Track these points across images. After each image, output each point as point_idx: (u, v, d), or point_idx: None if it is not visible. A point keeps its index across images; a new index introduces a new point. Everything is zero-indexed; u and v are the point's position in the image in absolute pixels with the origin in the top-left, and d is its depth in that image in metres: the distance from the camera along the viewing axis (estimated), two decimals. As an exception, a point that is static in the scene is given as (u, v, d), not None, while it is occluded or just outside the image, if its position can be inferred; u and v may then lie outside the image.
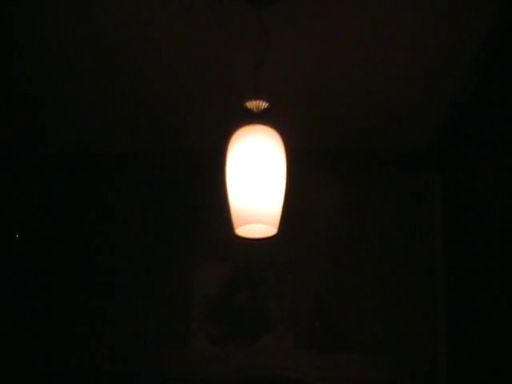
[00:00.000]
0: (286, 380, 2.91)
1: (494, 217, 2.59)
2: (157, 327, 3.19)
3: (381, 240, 3.30)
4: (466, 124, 2.94)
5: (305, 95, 2.92)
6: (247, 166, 2.06)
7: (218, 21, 2.46)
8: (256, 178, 2.04)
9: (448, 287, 3.15)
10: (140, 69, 2.79)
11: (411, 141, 3.28)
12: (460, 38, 2.52)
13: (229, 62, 2.69)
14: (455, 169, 3.16)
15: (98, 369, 3.16)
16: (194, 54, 2.68)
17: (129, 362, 3.16)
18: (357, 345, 3.06)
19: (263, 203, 2.03)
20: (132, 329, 3.22)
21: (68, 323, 3.25)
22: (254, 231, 2.13)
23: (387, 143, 3.32)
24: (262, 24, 2.20)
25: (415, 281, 3.22)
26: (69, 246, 3.39)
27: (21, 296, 3.29)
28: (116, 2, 2.40)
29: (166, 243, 3.35)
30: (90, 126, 3.28)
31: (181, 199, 3.41)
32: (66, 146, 3.44)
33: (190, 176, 3.42)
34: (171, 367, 2.96)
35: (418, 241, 3.29)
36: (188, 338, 3.12)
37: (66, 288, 3.31)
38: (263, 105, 2.12)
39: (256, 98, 2.12)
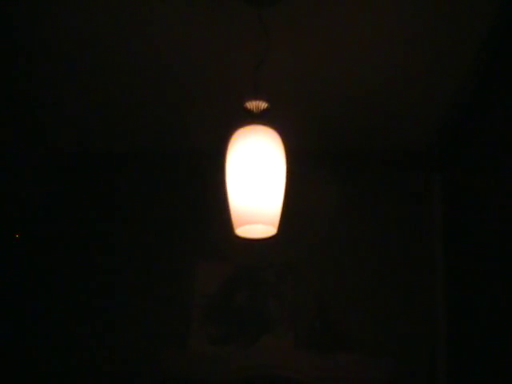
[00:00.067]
0: (285, 380, 2.91)
1: (493, 217, 2.59)
2: (157, 327, 3.19)
3: (381, 240, 3.30)
4: (466, 124, 2.94)
5: (305, 95, 2.92)
6: (247, 167, 2.06)
7: (218, 21, 2.46)
8: (256, 178, 2.04)
9: (448, 287, 3.15)
10: (140, 69, 2.79)
11: (411, 141, 3.28)
12: (460, 37, 2.52)
13: (229, 62, 2.69)
14: (455, 169, 3.16)
15: (97, 369, 3.17)
16: (194, 54, 2.68)
17: (129, 361, 3.16)
18: (357, 345, 3.06)
19: (263, 203, 2.03)
20: (132, 329, 3.22)
21: (68, 323, 3.25)
22: (253, 231, 2.13)
23: (387, 143, 3.32)
24: (262, 24, 2.20)
25: (415, 281, 3.22)
26: (69, 245, 3.39)
27: (21, 296, 3.29)
28: (116, 2, 2.40)
29: (165, 243, 3.35)
30: (89, 126, 3.28)
31: (181, 199, 3.41)
32: (66, 146, 3.44)
33: (190, 176, 3.42)
34: (171, 367, 2.96)
35: (418, 241, 3.29)
36: (188, 338, 3.12)
37: (66, 288, 3.31)
38: (263, 105, 2.12)
39: (256, 98, 2.12)
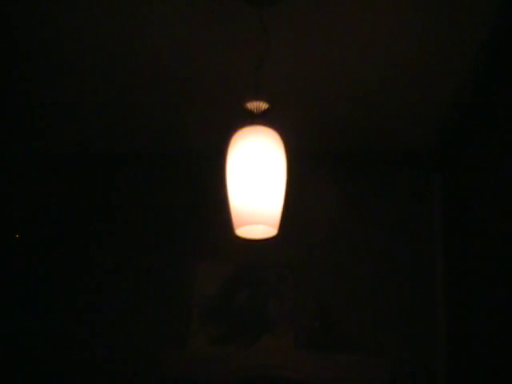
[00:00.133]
0: (285, 380, 2.91)
1: (493, 217, 2.59)
2: (157, 327, 3.19)
3: (381, 240, 3.30)
4: (466, 124, 2.94)
5: (305, 95, 2.92)
6: (247, 167, 2.06)
7: (218, 21, 2.46)
8: (256, 178, 2.04)
9: (448, 287, 3.14)
10: (140, 69, 2.79)
11: (411, 141, 3.28)
12: (460, 38, 2.51)
13: (229, 63, 2.69)
14: (455, 169, 3.16)
15: (97, 369, 3.16)
16: (194, 54, 2.68)
17: (129, 362, 3.16)
18: (357, 345, 3.06)
19: (263, 204, 2.03)
20: (132, 329, 3.22)
21: (68, 323, 3.25)
22: (254, 232, 2.13)
23: (387, 143, 3.32)
24: (262, 24, 2.20)
25: (415, 281, 3.22)
26: (68, 245, 3.39)
27: (21, 296, 3.29)
28: (116, 2, 2.40)
29: (165, 243, 3.35)
30: (89, 126, 3.28)
31: (181, 199, 3.41)
32: (66, 146, 3.44)
33: (190, 176, 3.42)
34: (171, 367, 2.96)
35: (418, 241, 3.29)
36: (188, 338, 3.12)
37: (66, 288, 3.31)
38: (263, 106, 2.12)
39: (256, 98, 2.12)
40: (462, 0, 2.32)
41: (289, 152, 2.16)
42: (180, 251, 3.32)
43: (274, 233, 2.12)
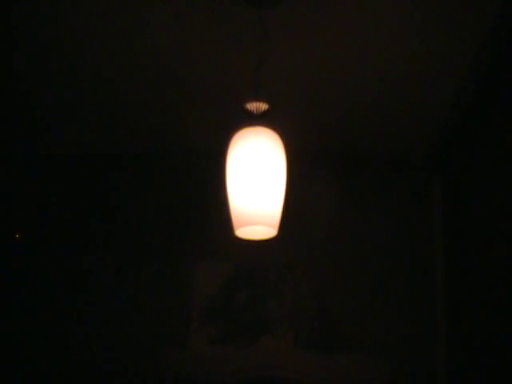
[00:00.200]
0: (285, 381, 2.91)
1: (493, 217, 2.59)
2: (157, 327, 3.20)
3: (380, 240, 3.30)
4: (466, 124, 2.94)
5: (305, 96, 2.92)
6: (247, 168, 2.06)
7: (218, 21, 2.46)
8: (256, 179, 2.04)
9: (448, 287, 3.15)
10: (140, 69, 2.79)
11: (411, 141, 3.28)
12: (460, 38, 2.51)
13: (229, 63, 2.69)
14: (455, 169, 3.16)
15: (97, 369, 3.17)
16: (194, 55, 2.68)
17: (128, 362, 3.16)
18: (356, 345, 3.06)
19: (263, 205, 2.03)
20: (131, 329, 3.22)
21: (67, 323, 3.25)
22: (253, 233, 2.13)
23: (387, 143, 3.32)
24: (262, 25, 2.20)
25: (415, 281, 3.23)
26: (68, 246, 3.39)
27: (21, 296, 3.29)
28: (116, 2, 2.40)
29: (165, 243, 3.35)
30: (89, 126, 3.28)
31: (181, 199, 3.41)
32: (66, 145, 3.44)
33: (190, 176, 3.42)
34: (171, 367, 2.96)
35: (418, 241, 3.29)
36: (188, 339, 3.12)
37: (66, 288, 3.31)
38: (263, 106, 2.12)
39: (256, 99, 2.12)
40: (462, 0, 2.32)
41: (289, 152, 2.16)
42: (180, 251, 3.32)
43: (274, 233, 2.12)
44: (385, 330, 3.14)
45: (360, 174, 3.41)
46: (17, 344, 3.21)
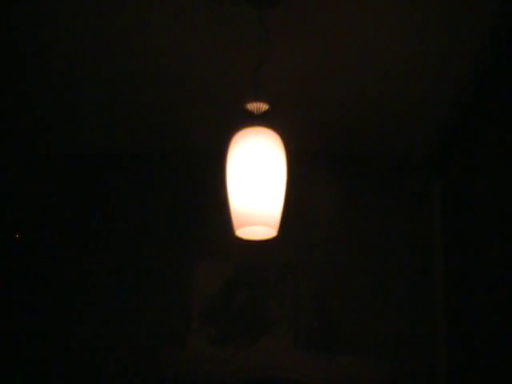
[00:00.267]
0: (285, 381, 2.90)
1: (493, 217, 2.59)
2: (156, 327, 3.19)
3: (381, 240, 3.30)
4: (466, 124, 2.94)
5: (305, 96, 2.92)
6: (248, 168, 2.06)
7: (218, 21, 2.46)
8: (256, 180, 2.05)
9: (448, 288, 3.14)
10: (140, 69, 2.79)
11: (411, 141, 3.28)
12: (460, 38, 2.51)
13: (229, 63, 2.69)
14: (455, 169, 3.16)
15: (97, 369, 3.17)
16: (194, 55, 2.68)
17: (128, 362, 3.16)
18: (356, 345, 3.06)
19: (263, 205, 2.03)
20: (132, 329, 3.22)
21: (67, 323, 3.25)
22: (254, 233, 2.13)
23: (387, 144, 3.32)
24: (262, 25, 2.20)
25: (415, 281, 3.22)
26: (68, 246, 3.39)
27: (21, 296, 3.29)
28: (116, 2, 2.39)
29: (165, 243, 3.35)
30: (89, 126, 3.28)
31: (181, 199, 3.41)
32: (67, 146, 3.44)
33: (190, 176, 3.42)
34: (170, 367, 2.96)
35: (418, 241, 3.29)
36: (187, 339, 3.12)
37: (66, 288, 3.31)
38: (264, 107, 2.12)
39: (257, 99, 2.12)
40: (462, 0, 2.32)
41: (289, 152, 2.16)
42: (180, 251, 3.32)
43: (274, 234, 2.12)
44: (385, 330, 3.14)
45: (360, 174, 3.41)
46: (17, 344, 3.21)
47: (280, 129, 2.16)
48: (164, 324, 3.19)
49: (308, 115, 3.06)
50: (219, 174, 2.28)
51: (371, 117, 3.10)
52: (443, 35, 2.50)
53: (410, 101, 2.95)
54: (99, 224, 3.42)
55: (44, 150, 3.46)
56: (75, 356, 3.19)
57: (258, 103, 2.12)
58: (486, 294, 2.62)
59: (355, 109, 3.03)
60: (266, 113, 2.13)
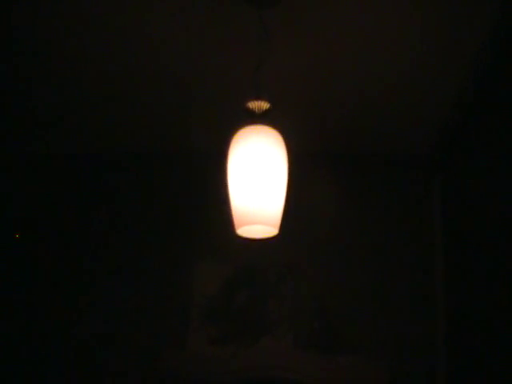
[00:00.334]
0: (285, 381, 2.91)
1: (493, 217, 2.59)
2: (156, 327, 3.19)
3: (381, 240, 3.30)
4: (467, 124, 2.94)
5: (305, 96, 2.92)
6: (249, 167, 2.06)
7: (218, 21, 2.46)
8: (257, 178, 2.04)
9: (448, 288, 3.14)
10: (140, 69, 2.79)
11: (412, 141, 3.28)
12: (460, 38, 2.51)
13: (229, 63, 2.69)
14: (455, 169, 3.16)
15: (97, 369, 3.17)
16: (195, 55, 2.68)
17: (128, 361, 3.16)
18: (356, 345, 3.06)
19: (264, 204, 2.03)
20: (131, 329, 3.22)
21: (67, 323, 3.25)
22: (254, 232, 2.13)
23: (388, 143, 3.32)
24: (262, 25, 2.20)
25: (415, 281, 3.22)
26: (68, 246, 3.39)
27: (21, 296, 3.29)
28: (116, 2, 2.40)
29: (165, 243, 3.35)
30: (89, 126, 3.28)
31: (181, 199, 3.41)
32: (66, 146, 3.44)
33: (190, 176, 3.42)
34: (170, 367, 2.96)
35: (418, 241, 3.29)
36: (187, 339, 3.12)
37: (66, 288, 3.31)
38: (265, 105, 2.12)
39: (258, 98, 2.12)
40: (462, 0, 2.32)
41: (290, 152, 2.16)
42: (180, 251, 3.32)
43: (275, 233, 2.12)
44: (385, 330, 3.14)
45: (360, 174, 3.41)
46: (17, 344, 3.21)
47: (280, 129, 2.16)
48: (164, 324, 3.19)
49: (308, 115, 3.06)
50: (219, 174, 2.28)
51: (371, 117, 3.10)
52: (443, 35, 2.50)
53: (410, 101, 2.95)
54: (99, 224, 3.42)
55: (44, 150, 3.46)
56: (75, 356, 3.19)
57: (259, 102, 2.12)
58: (486, 293, 2.62)
59: (355, 109, 3.03)
60: (267, 111, 2.12)
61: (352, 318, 3.15)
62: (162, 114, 3.14)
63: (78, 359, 3.18)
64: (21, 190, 3.43)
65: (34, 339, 3.23)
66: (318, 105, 2.99)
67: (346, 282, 3.23)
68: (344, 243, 3.29)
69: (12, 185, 3.44)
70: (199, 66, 2.76)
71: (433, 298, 3.19)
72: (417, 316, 3.17)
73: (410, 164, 3.39)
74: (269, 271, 3.23)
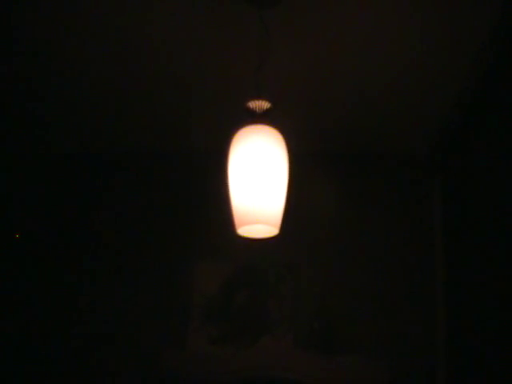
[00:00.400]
0: (285, 381, 2.91)
1: (493, 217, 2.59)
2: (157, 327, 3.19)
3: (381, 241, 3.30)
4: (466, 124, 2.94)
5: (306, 96, 2.92)
6: (249, 167, 2.06)
7: (219, 21, 2.46)
8: (258, 178, 2.04)
9: (448, 288, 3.14)
10: (140, 69, 2.79)
11: (412, 141, 3.28)
12: (460, 38, 2.51)
13: (230, 63, 2.69)
14: (455, 169, 3.16)
15: (97, 369, 3.17)
16: (195, 55, 2.68)
17: (128, 361, 3.16)
18: (356, 346, 3.06)
19: (265, 204, 2.03)
20: (131, 329, 3.22)
21: (67, 323, 3.25)
22: (255, 231, 2.13)
23: (388, 144, 3.32)
24: (263, 25, 2.20)
25: (415, 281, 3.22)
26: (68, 246, 3.39)
27: (21, 296, 3.29)
28: (116, 2, 2.40)
29: (165, 243, 3.35)
30: (90, 126, 3.28)
31: (181, 199, 3.41)
32: (66, 146, 3.44)
33: (190, 176, 3.42)
34: (170, 367, 2.96)
35: (418, 241, 3.29)
36: (187, 338, 3.12)
37: (66, 288, 3.31)
38: (265, 105, 2.12)
39: (258, 98, 2.12)
40: (462, 0, 2.32)
41: (290, 152, 2.16)
42: (180, 251, 3.32)
43: (276, 232, 2.12)
44: (385, 330, 3.14)
45: (360, 175, 3.42)
46: (17, 344, 3.21)
47: (281, 128, 2.16)
48: (164, 324, 3.19)
49: (308, 115, 3.06)
50: (219, 174, 2.28)
51: (371, 117, 3.10)
52: (443, 35, 2.50)
53: (410, 101, 2.95)
54: (99, 224, 3.42)
55: (44, 149, 3.46)
56: (75, 356, 3.19)
57: (260, 101, 2.12)
58: (486, 293, 2.62)
59: (355, 109, 3.03)
60: (267, 111, 2.12)
61: (352, 318, 3.15)
62: (162, 114, 3.14)
63: (78, 359, 3.18)
64: (21, 190, 3.43)
65: (34, 339, 3.23)
66: (317, 105, 3.00)
67: (345, 282, 3.23)
68: (344, 243, 3.29)
69: (12, 185, 3.44)
70: (199, 66, 2.76)
71: (433, 298, 3.18)
72: (417, 316, 3.17)
73: (410, 164, 3.39)
74: (269, 271, 3.23)
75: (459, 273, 3.01)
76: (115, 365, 3.16)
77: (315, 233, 3.28)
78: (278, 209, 2.07)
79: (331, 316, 3.09)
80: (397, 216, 3.34)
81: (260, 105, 2.12)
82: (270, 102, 2.12)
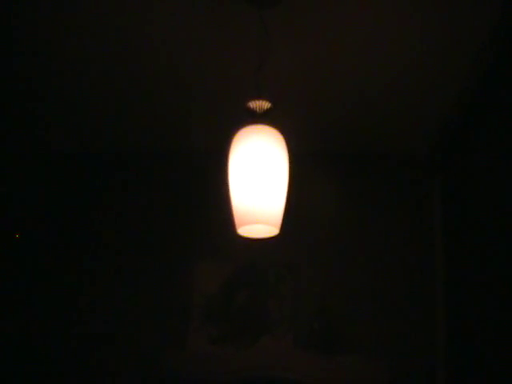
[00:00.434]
0: (285, 381, 2.91)
1: (493, 217, 2.59)
2: (157, 327, 3.19)
3: (381, 241, 3.30)
4: (466, 124, 2.94)
5: (306, 96, 2.92)
6: (250, 166, 2.06)
7: (219, 21, 2.46)
8: (258, 178, 2.04)
9: (448, 288, 3.14)
10: (140, 69, 2.79)
11: (412, 141, 3.28)
12: (460, 38, 2.51)
13: (230, 63, 2.69)
14: (455, 169, 3.16)
15: (97, 369, 3.17)
16: (195, 55, 2.68)
17: (128, 361, 3.16)
18: (356, 346, 3.06)
19: (265, 203, 2.03)
20: (131, 329, 3.22)
21: (67, 323, 3.25)
22: (255, 231, 2.13)
23: (388, 144, 3.32)
24: (263, 25, 2.20)
25: (415, 281, 3.22)
26: (68, 246, 3.39)
27: (21, 296, 3.29)
28: (116, 2, 2.40)
29: (165, 243, 3.35)
30: (90, 126, 3.28)
31: (181, 199, 3.41)
32: (66, 145, 3.44)
33: (190, 176, 3.42)
34: (170, 367, 2.96)
35: (418, 241, 3.29)
36: (187, 338, 3.12)
37: (66, 288, 3.31)
38: (266, 105, 2.12)
39: (259, 98, 2.12)
40: (462, 0, 2.32)
41: (290, 152, 2.16)
42: (180, 251, 3.32)
43: (276, 232, 2.12)
44: (385, 330, 3.14)
45: (361, 175, 3.41)
46: (17, 344, 3.21)
47: (281, 128, 2.16)
48: (164, 324, 3.19)
49: (308, 115, 3.06)
50: (219, 174, 2.28)
51: (371, 117, 3.10)
52: (443, 35, 2.51)
53: (410, 101, 2.95)
54: (99, 224, 3.42)
55: (44, 149, 3.46)
56: (75, 356, 3.19)
57: (260, 101, 2.12)
58: (486, 293, 2.63)
59: (355, 109, 3.03)
60: (268, 111, 2.12)
61: (352, 318, 3.15)
62: (162, 114, 3.14)
63: (78, 359, 3.18)
64: (21, 190, 3.43)
65: (34, 339, 3.22)
66: (317, 104, 3.00)
67: (345, 281, 3.23)
68: (344, 243, 3.29)
69: (12, 185, 3.44)
70: (199, 66, 2.76)
71: (433, 298, 3.19)
72: (417, 316, 3.17)
73: (410, 164, 3.39)
74: (269, 271, 3.23)
75: (459, 273, 3.01)
76: (115, 365, 3.16)
77: (315, 233, 3.29)
78: (278, 209, 2.07)
79: (331, 316, 3.09)
80: (397, 216, 3.34)
81: (260, 105, 2.12)
82: (270, 101, 2.12)
